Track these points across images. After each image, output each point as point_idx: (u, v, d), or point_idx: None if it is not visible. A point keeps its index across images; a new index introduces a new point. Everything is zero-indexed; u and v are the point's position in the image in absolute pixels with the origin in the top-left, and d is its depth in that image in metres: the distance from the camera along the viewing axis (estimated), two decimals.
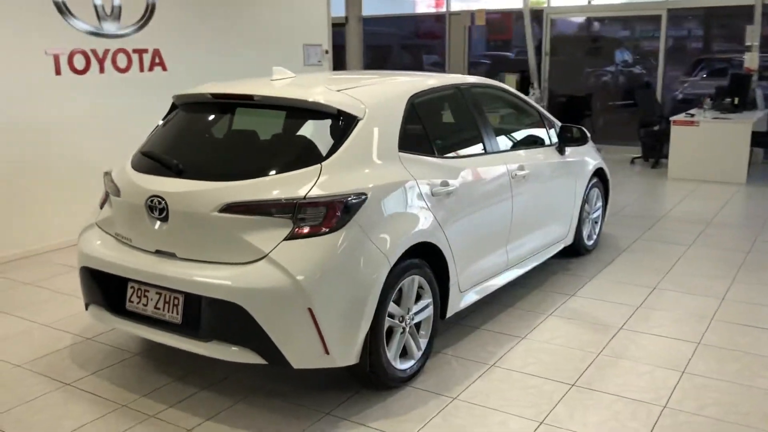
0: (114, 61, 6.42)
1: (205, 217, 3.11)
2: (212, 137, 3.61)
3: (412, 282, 3.46)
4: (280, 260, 2.99)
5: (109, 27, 6.32)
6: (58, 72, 5.96)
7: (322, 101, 3.39)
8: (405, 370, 3.48)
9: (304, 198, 3.05)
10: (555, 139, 5.03)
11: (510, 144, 4.61)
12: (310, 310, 2.98)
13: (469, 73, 12.95)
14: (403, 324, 3.45)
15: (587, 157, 5.40)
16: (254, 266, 3.02)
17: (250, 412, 3.28)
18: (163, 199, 3.23)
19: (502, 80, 11.77)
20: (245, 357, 3.09)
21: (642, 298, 4.70)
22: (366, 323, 3.14)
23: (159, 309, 3.24)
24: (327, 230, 3.05)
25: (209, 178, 3.21)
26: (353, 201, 3.11)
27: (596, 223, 5.83)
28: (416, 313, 3.55)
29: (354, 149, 3.31)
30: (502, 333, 4.15)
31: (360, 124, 3.37)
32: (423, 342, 3.62)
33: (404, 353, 3.52)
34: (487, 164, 4.11)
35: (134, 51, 6.59)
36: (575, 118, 12.00)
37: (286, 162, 3.22)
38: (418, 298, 3.58)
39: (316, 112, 3.40)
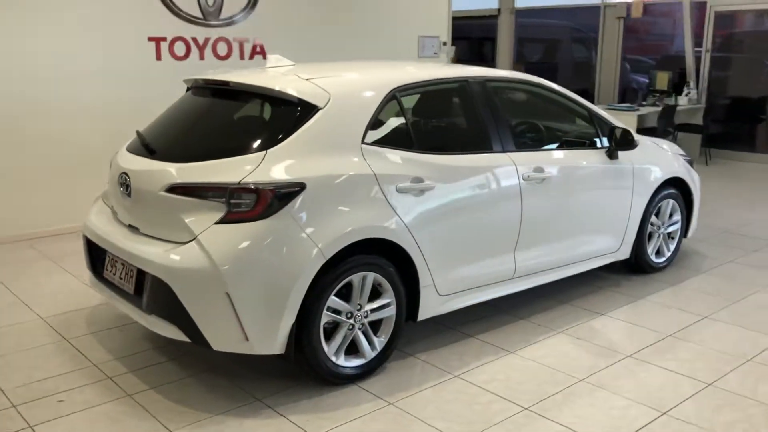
0: (214, 49, 6.85)
1: (155, 195, 3.26)
2: (191, 121, 3.75)
3: (364, 279, 3.36)
4: (205, 243, 3.05)
5: (211, 17, 6.76)
6: (158, 57, 6.50)
7: (285, 89, 3.39)
8: (350, 368, 3.39)
9: (238, 184, 3.08)
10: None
11: (533, 144, 4.27)
12: (228, 294, 3.01)
13: (622, 70, 12.22)
14: (352, 321, 3.36)
15: (656, 165, 4.82)
16: (185, 246, 3.12)
17: (191, 387, 3.40)
18: (128, 176, 3.43)
19: (653, 78, 10.90)
20: (175, 333, 3.20)
21: (680, 327, 4.14)
22: (290, 314, 3.11)
23: (122, 279, 3.46)
24: (255, 217, 3.06)
25: (168, 159, 3.35)
26: (286, 190, 3.08)
27: (672, 238, 5.21)
28: (373, 311, 3.44)
29: (306, 138, 3.27)
30: (492, 344, 3.88)
31: (319, 114, 3.32)
32: (379, 341, 3.50)
33: (356, 351, 3.44)
34: (487, 164, 3.84)
35: (235, 40, 6.98)
36: (745, 122, 10.75)
37: (236, 147, 3.27)
38: (378, 296, 3.46)
39: (280, 99, 3.41)
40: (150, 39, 6.43)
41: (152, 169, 3.33)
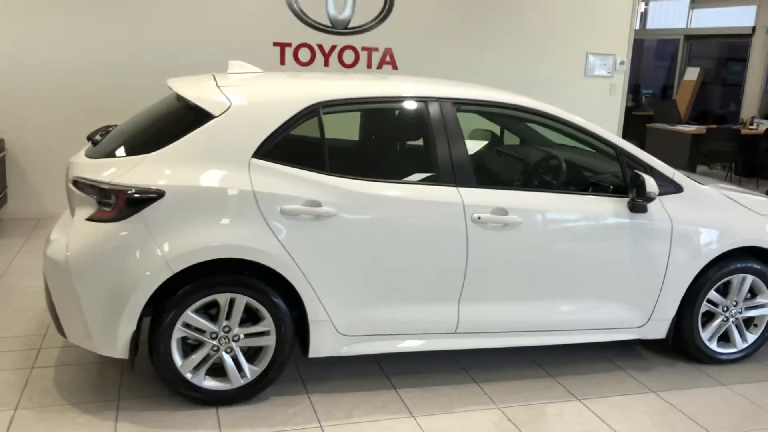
0: (340, 57, 6.96)
1: (70, 186, 3.44)
2: (139, 120, 3.82)
3: (231, 301, 3.17)
4: (70, 237, 3.14)
5: (338, 25, 6.87)
6: (282, 62, 6.81)
7: (186, 95, 3.34)
8: (208, 390, 3.23)
9: (107, 184, 3.12)
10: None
11: (507, 182, 3.61)
12: (75, 290, 3.08)
13: None
14: (215, 342, 3.20)
15: (716, 227, 3.74)
16: (60, 238, 3.24)
17: (69, 376, 3.50)
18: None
19: None
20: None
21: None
22: (129, 321, 3.06)
23: None
24: (112, 218, 3.07)
25: (94, 154, 3.50)
26: (140, 196, 3.04)
27: (756, 326, 4.00)
28: (248, 336, 3.24)
29: (190, 145, 3.18)
30: (407, 404, 3.38)
31: (211, 122, 3.20)
32: (252, 370, 3.27)
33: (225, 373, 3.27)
34: (418, 197, 3.34)
35: (363, 48, 7.01)
36: None
37: (129, 148, 3.30)
38: (258, 320, 3.25)
39: (187, 105, 3.36)
40: (275, 44, 6.76)
41: (73, 162, 3.52)
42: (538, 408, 3.40)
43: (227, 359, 3.23)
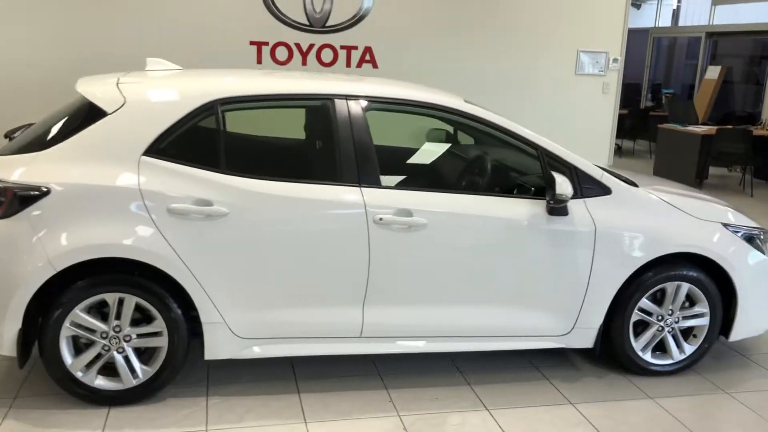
0: (318, 55, 6.91)
1: None
2: (47, 119, 3.77)
3: (119, 301, 3.14)
4: None
5: (316, 24, 6.82)
6: (259, 61, 6.79)
7: (85, 91, 3.32)
8: (98, 389, 3.20)
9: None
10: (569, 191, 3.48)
11: (416, 183, 3.48)
12: None
13: None
14: (106, 341, 3.17)
15: (645, 231, 3.54)
16: None
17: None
18: None
19: None
20: None
21: None
22: (13, 320, 3.04)
23: None
24: (1, 215, 3.07)
25: (1, 151, 3.51)
26: (25, 193, 3.02)
27: (695, 336, 3.79)
28: (141, 337, 3.21)
29: (80, 143, 3.15)
30: (295, 410, 3.30)
31: (104, 119, 3.17)
32: (144, 370, 3.23)
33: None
34: (317, 196, 3.25)
35: (342, 47, 6.94)
36: None
37: (28, 146, 3.29)
38: (151, 321, 3.21)
39: (87, 102, 3.33)
40: (252, 43, 6.74)
41: None
42: (440, 417, 3.28)
43: (119, 359, 3.20)
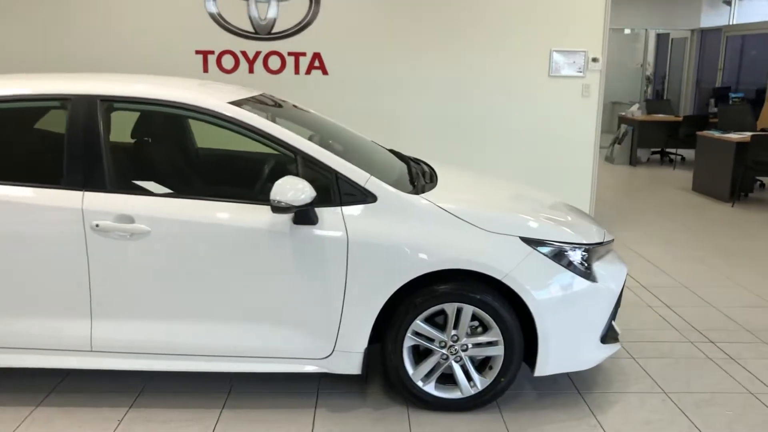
0: (265, 63, 6.79)
1: None
2: None
3: None
4: None
5: (262, 31, 6.71)
6: (205, 70, 6.78)
7: None
8: None
9: None
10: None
11: (143, 187, 3.23)
12: None
13: None
14: None
15: (411, 242, 3.09)
16: None
17: None
18: None
19: None
20: None
21: None
22: None
23: None
24: None
25: None
26: None
27: (491, 368, 3.28)
28: None
29: None
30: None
31: None
32: None
33: None
34: (34, 200, 3.10)
35: (289, 54, 6.78)
36: None
37: None
38: None
39: None
40: (197, 52, 6.75)
41: None
42: None
43: None
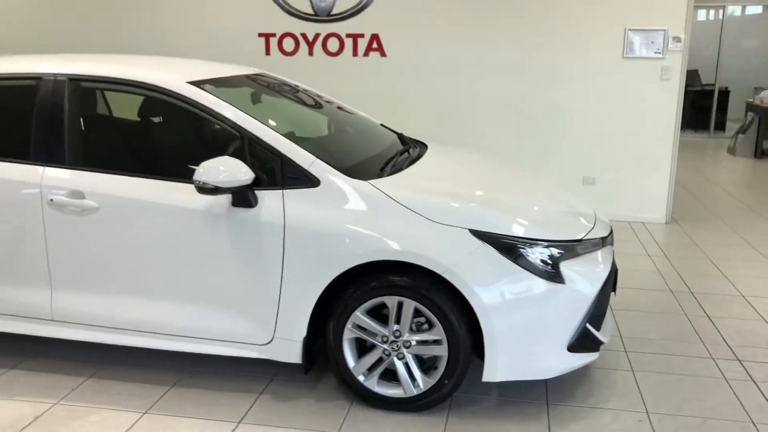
0: (324, 45, 6.77)
1: None
2: None
3: None
4: None
5: (321, 12, 6.69)
6: (267, 53, 6.87)
7: None
8: None
9: None
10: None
11: (107, 161, 3.27)
12: None
13: None
14: None
15: (343, 233, 2.92)
16: None
17: None
18: None
19: None
20: None
21: None
22: None
23: None
24: None
25: None
26: None
27: (436, 369, 3.06)
28: None
29: None
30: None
31: None
32: None
33: None
34: (4, 174, 3.26)
35: (348, 35, 6.71)
36: None
37: None
38: None
39: None
40: (260, 35, 6.85)
41: None
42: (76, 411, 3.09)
43: None
